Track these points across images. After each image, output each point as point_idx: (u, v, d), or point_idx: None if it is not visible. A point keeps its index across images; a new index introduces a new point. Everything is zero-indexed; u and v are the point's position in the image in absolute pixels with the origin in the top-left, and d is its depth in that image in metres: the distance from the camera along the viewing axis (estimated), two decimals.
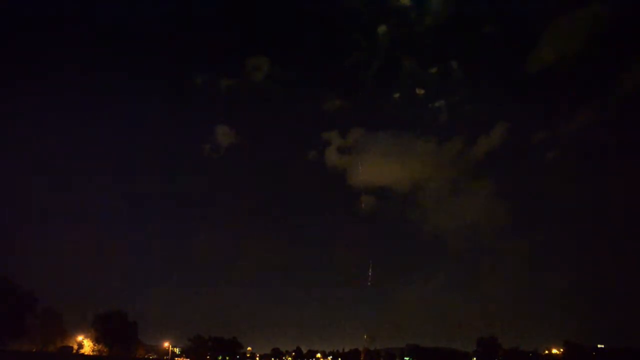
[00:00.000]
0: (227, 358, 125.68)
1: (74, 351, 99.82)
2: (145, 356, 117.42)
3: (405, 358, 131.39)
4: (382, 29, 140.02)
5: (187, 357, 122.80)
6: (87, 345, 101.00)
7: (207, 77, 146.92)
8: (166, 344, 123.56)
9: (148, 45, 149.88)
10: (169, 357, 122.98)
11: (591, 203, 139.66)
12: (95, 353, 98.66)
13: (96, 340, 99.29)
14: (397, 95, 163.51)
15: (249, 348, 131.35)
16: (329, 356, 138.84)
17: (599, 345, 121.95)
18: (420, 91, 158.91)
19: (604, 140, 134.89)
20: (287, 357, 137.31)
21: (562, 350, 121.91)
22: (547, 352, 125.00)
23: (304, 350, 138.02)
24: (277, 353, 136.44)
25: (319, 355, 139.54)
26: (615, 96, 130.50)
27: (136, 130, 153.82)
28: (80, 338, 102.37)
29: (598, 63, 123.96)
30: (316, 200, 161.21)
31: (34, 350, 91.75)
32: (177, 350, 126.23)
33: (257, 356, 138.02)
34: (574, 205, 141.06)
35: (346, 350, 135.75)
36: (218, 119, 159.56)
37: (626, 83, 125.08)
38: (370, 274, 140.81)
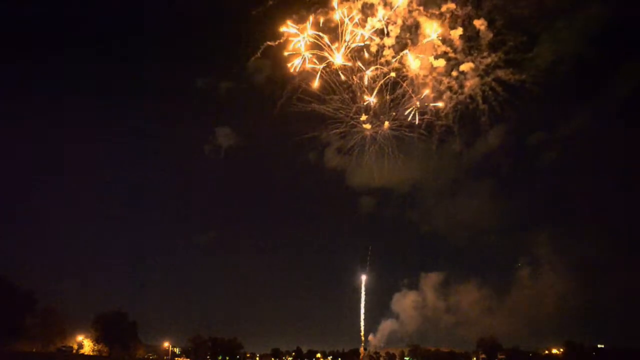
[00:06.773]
0: (227, 358, 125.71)
1: (74, 351, 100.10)
2: (145, 356, 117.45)
3: (405, 358, 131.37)
4: None
5: (187, 357, 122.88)
6: (87, 345, 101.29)
7: (207, 80, 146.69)
8: (166, 344, 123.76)
9: (148, 47, 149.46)
10: (169, 357, 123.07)
11: (590, 203, 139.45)
12: (95, 353, 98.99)
13: (96, 340, 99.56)
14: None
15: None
16: (329, 356, 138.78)
17: (599, 345, 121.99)
18: None
19: (602, 141, 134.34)
20: (287, 357, 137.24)
21: (562, 350, 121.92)
22: (547, 352, 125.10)
23: (304, 350, 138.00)
24: (277, 353, 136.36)
25: (319, 355, 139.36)
26: (614, 97, 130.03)
27: (136, 132, 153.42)
28: (80, 338, 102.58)
29: (597, 63, 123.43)
30: (316, 201, 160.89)
31: (34, 350, 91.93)
32: (177, 350, 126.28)
33: (257, 356, 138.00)
34: (573, 205, 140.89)
35: (346, 350, 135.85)
36: (218, 120, 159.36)
37: (625, 84, 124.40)
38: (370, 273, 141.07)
